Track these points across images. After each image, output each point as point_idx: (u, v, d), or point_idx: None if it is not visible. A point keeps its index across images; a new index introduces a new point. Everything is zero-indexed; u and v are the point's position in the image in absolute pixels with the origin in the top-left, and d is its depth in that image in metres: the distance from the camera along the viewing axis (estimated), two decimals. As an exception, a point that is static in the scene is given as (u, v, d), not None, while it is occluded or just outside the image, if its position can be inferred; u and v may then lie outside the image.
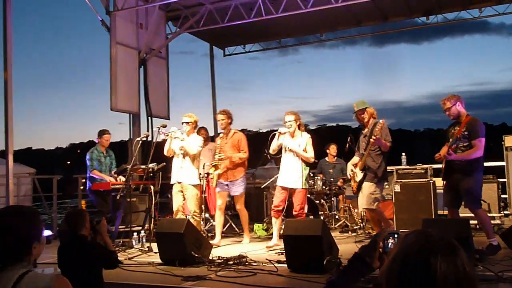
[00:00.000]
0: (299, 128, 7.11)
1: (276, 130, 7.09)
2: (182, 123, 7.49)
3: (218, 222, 7.57)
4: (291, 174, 7.01)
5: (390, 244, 1.78)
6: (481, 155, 5.77)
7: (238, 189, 7.50)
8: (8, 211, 2.27)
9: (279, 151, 7.19)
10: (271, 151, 7.19)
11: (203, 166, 8.28)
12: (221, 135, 7.72)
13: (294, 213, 7.03)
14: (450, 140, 5.97)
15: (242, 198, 7.63)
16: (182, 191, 7.33)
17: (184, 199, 7.36)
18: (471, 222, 5.92)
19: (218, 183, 7.56)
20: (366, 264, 1.78)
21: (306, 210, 7.89)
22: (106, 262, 4.11)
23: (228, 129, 7.60)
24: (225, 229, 8.66)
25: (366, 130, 6.83)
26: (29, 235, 2.07)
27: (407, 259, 1.29)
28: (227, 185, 7.53)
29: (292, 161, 7.03)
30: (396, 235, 1.78)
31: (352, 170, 6.90)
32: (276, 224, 7.16)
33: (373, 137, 6.37)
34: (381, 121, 6.53)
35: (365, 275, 1.79)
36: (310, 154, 7.05)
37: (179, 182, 7.34)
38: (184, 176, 7.33)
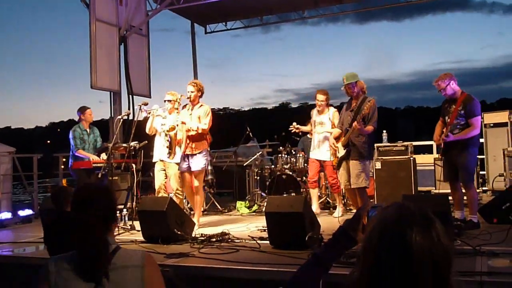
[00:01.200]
0: (327, 105, 7.71)
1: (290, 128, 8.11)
2: (165, 101, 7.41)
3: (192, 202, 7.28)
4: (321, 148, 7.59)
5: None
6: (478, 133, 5.91)
7: (198, 163, 6.95)
8: (95, 187, 2.44)
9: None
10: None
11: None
12: (187, 106, 7.23)
13: (328, 185, 7.77)
14: (446, 117, 6.05)
15: (202, 175, 7.15)
16: (164, 170, 7.30)
17: (166, 177, 7.32)
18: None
19: (179, 163, 7.15)
20: (350, 238, 1.80)
21: None
22: None
23: (197, 101, 7.14)
24: (207, 206, 8.69)
25: (354, 104, 6.56)
26: (114, 207, 2.31)
27: (383, 232, 1.31)
28: (187, 159, 7.01)
29: (321, 135, 7.59)
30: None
31: (334, 144, 6.78)
32: (314, 195, 7.89)
33: (356, 124, 6.16)
34: (371, 99, 6.35)
35: (348, 248, 1.82)
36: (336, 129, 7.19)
37: (161, 160, 7.29)
38: (166, 154, 7.28)
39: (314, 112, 7.92)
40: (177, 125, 6.99)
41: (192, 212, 7.85)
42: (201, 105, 7.12)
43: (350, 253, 1.96)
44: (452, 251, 1.31)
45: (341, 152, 6.64)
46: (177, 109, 7.34)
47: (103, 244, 2.02)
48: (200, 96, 7.18)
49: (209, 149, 7.33)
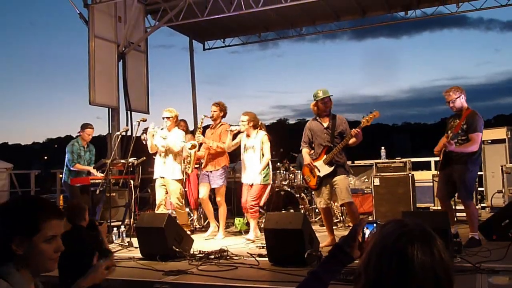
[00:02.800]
0: (255, 128, 7.18)
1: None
2: (163, 118, 7.47)
3: (209, 211, 7.68)
4: (251, 171, 7.11)
5: (368, 234, 1.81)
6: (477, 149, 5.84)
7: (218, 181, 7.46)
8: None
9: (238, 148, 7.42)
10: (226, 149, 7.43)
11: (183, 160, 8.23)
12: (212, 125, 7.74)
13: (246, 205, 7.06)
14: (449, 132, 6.04)
15: (223, 190, 7.56)
16: (165, 185, 7.35)
17: (167, 193, 7.40)
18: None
19: (200, 174, 7.61)
20: (346, 254, 1.80)
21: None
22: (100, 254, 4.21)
23: (219, 121, 7.64)
24: (205, 223, 8.66)
25: (327, 122, 6.37)
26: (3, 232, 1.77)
27: (384, 249, 1.31)
28: (207, 175, 7.52)
29: (252, 158, 7.13)
30: (375, 225, 1.82)
31: (311, 163, 6.40)
32: (253, 222, 7.21)
33: (357, 130, 6.01)
34: (375, 112, 6.09)
35: (345, 264, 1.81)
36: (266, 157, 7.03)
37: (162, 177, 7.35)
38: (166, 171, 7.35)
39: (243, 135, 7.32)
40: (198, 144, 7.49)
41: (198, 228, 8.17)
42: (222, 124, 7.59)
43: (349, 271, 1.95)
44: (452, 266, 1.31)
45: (323, 170, 6.29)
46: (199, 128, 7.73)
47: None
48: (223, 116, 7.70)
49: (228, 165, 7.75)
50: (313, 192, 9.02)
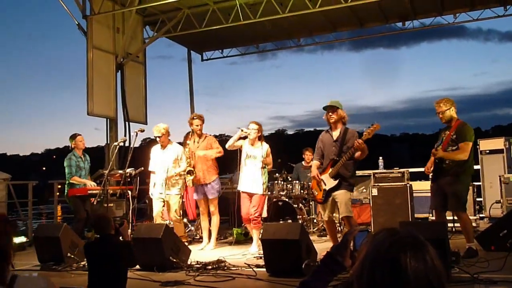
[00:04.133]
0: (259, 139, 7.28)
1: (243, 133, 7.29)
2: (155, 137, 7.51)
3: (205, 226, 7.69)
4: (252, 181, 7.15)
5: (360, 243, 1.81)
6: (466, 158, 5.85)
7: (213, 191, 7.56)
8: None
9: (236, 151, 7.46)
10: (226, 145, 7.47)
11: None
12: (194, 139, 7.70)
13: (250, 216, 7.10)
14: (439, 142, 6.08)
15: (216, 200, 7.64)
16: (163, 199, 7.40)
17: (164, 206, 7.42)
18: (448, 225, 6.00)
19: (195, 189, 7.65)
20: (337, 263, 1.79)
21: (265, 214, 7.85)
22: (131, 260, 4.32)
23: (201, 133, 7.71)
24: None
25: (337, 135, 6.17)
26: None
27: (376, 258, 1.30)
28: (202, 187, 7.57)
29: (253, 168, 7.17)
30: (366, 234, 1.81)
31: (318, 176, 6.22)
32: (255, 233, 7.19)
33: (358, 142, 5.76)
34: (375, 124, 5.93)
35: (336, 274, 1.80)
36: (270, 165, 7.42)
37: (160, 193, 7.43)
38: (165, 187, 7.48)
39: (245, 142, 7.32)
40: (193, 172, 7.48)
41: (196, 238, 8.19)
42: (206, 135, 7.69)
43: (348, 281, 1.94)
44: (444, 273, 1.31)
45: (329, 183, 6.13)
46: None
47: None
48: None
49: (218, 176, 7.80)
50: (311, 203, 9.10)
